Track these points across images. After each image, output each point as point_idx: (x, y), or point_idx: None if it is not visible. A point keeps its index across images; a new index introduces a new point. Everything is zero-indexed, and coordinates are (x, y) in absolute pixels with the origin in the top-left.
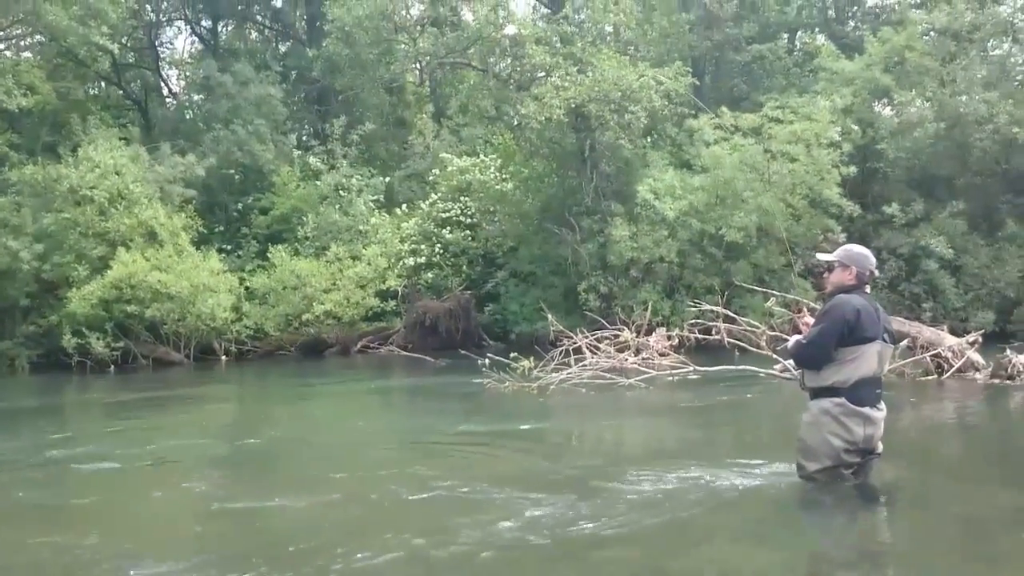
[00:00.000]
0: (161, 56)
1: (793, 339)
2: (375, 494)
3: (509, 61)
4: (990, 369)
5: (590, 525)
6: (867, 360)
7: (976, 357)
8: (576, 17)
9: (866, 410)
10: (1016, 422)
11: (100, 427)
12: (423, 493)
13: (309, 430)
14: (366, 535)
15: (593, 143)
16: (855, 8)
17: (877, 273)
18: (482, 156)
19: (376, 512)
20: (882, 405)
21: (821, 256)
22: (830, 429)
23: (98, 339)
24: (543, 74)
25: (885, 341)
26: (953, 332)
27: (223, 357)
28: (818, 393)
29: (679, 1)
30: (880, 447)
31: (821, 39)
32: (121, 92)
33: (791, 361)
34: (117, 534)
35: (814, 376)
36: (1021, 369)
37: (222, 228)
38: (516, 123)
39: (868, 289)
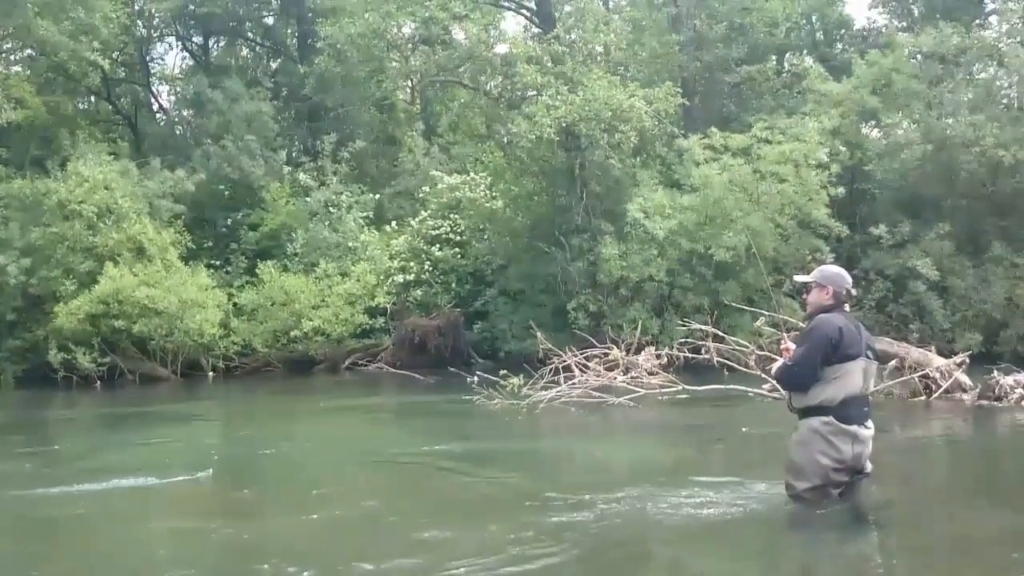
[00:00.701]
0: (152, 72)
1: (778, 363)
2: (347, 517)
3: (500, 80)
4: (977, 390)
5: (570, 543)
6: (852, 377)
7: (964, 378)
8: (567, 37)
9: (854, 428)
10: (1003, 443)
11: (78, 443)
12: (392, 517)
13: (293, 450)
14: (337, 557)
15: (583, 162)
16: (843, 31)
17: (854, 292)
18: (472, 174)
19: (340, 535)
20: (870, 423)
21: (798, 278)
22: (819, 448)
23: (84, 354)
24: (534, 93)
25: (868, 358)
26: (940, 353)
27: (210, 373)
28: (806, 413)
29: (669, 22)
30: (869, 466)
31: (809, 61)
32: (111, 107)
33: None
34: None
35: (801, 397)
36: (1008, 390)
37: (211, 244)
38: (506, 141)
39: (847, 308)
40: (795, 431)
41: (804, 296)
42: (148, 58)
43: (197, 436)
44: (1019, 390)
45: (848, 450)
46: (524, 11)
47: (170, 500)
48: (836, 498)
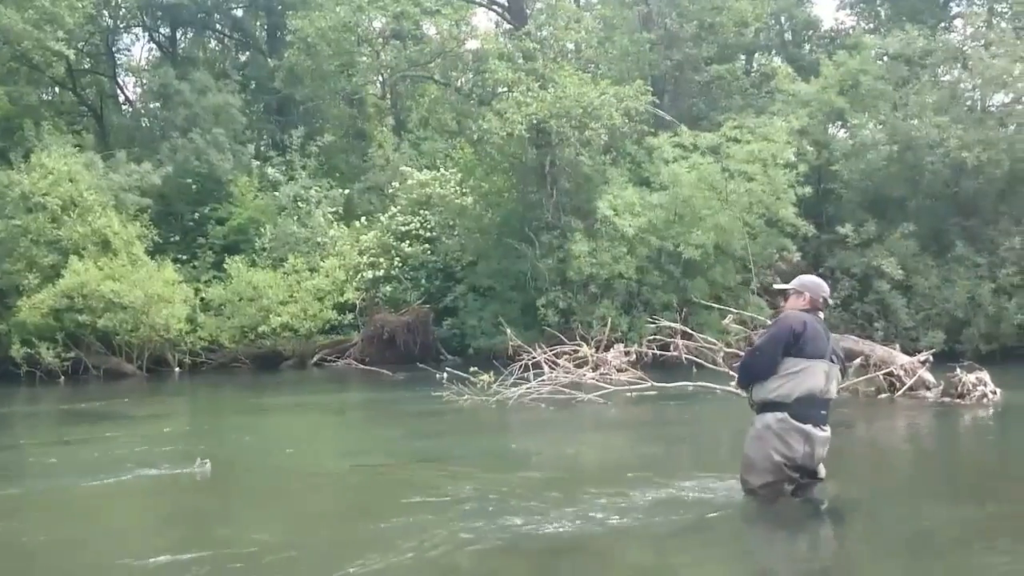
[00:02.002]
0: (118, 63)
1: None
2: (298, 515)
3: (471, 76)
4: (941, 388)
5: (531, 538)
6: (812, 376)
7: (927, 376)
8: (538, 33)
9: (808, 427)
10: (965, 440)
11: (33, 440)
12: (348, 514)
13: (254, 451)
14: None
15: (553, 159)
16: (811, 32)
17: (831, 301)
18: (442, 170)
19: (290, 534)
20: (827, 427)
21: (777, 286)
22: (772, 444)
23: (48, 349)
24: (505, 89)
25: (833, 362)
26: (904, 351)
27: (176, 369)
28: (762, 408)
29: (640, 21)
30: (822, 471)
31: (778, 61)
32: (76, 98)
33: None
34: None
35: (759, 389)
36: (970, 388)
37: (178, 238)
38: (477, 137)
39: (822, 316)
40: (751, 426)
41: (782, 304)
42: (114, 49)
43: (159, 435)
44: (981, 388)
45: (799, 448)
46: (496, 7)
47: (112, 506)
48: (789, 495)
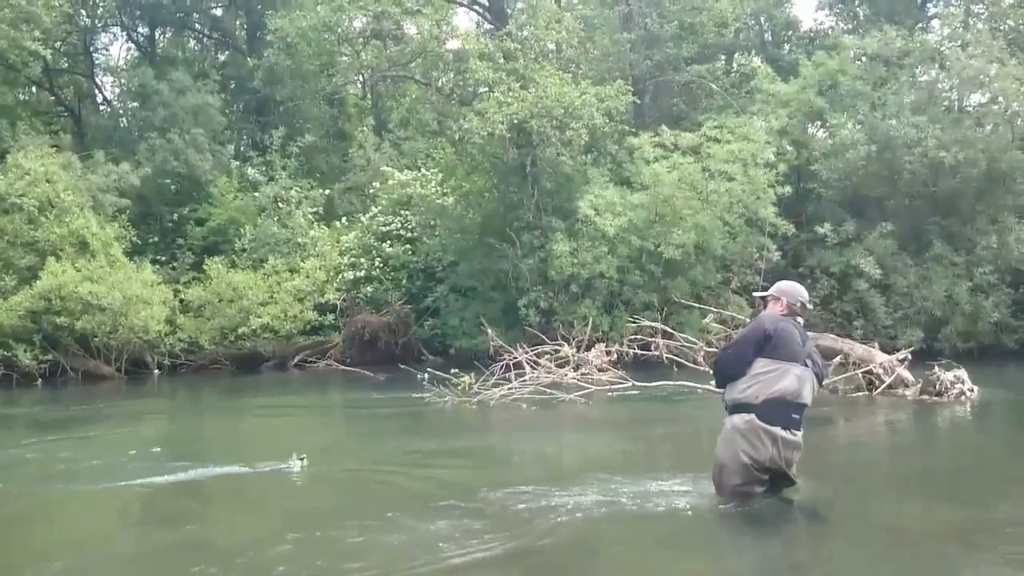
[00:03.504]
0: (96, 62)
1: None
2: (287, 516)
3: (452, 75)
4: (919, 386)
5: (510, 539)
6: (784, 380)
7: (906, 374)
8: (519, 33)
9: (776, 430)
10: (943, 438)
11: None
12: (336, 517)
13: (233, 455)
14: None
15: (534, 159)
16: (790, 32)
17: (810, 306)
18: (423, 170)
19: (280, 536)
20: (798, 432)
21: (757, 294)
22: (740, 446)
23: (25, 351)
24: (485, 89)
25: (807, 366)
26: (883, 349)
27: (156, 371)
28: (732, 410)
29: (620, 21)
30: (794, 474)
31: (757, 61)
32: (53, 98)
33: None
34: None
35: (730, 389)
36: (948, 386)
37: (156, 239)
38: (458, 137)
39: (800, 321)
40: (722, 428)
41: (763, 310)
42: (92, 48)
43: (136, 440)
44: (959, 385)
45: (766, 451)
46: (476, 7)
47: (85, 513)
48: (762, 496)
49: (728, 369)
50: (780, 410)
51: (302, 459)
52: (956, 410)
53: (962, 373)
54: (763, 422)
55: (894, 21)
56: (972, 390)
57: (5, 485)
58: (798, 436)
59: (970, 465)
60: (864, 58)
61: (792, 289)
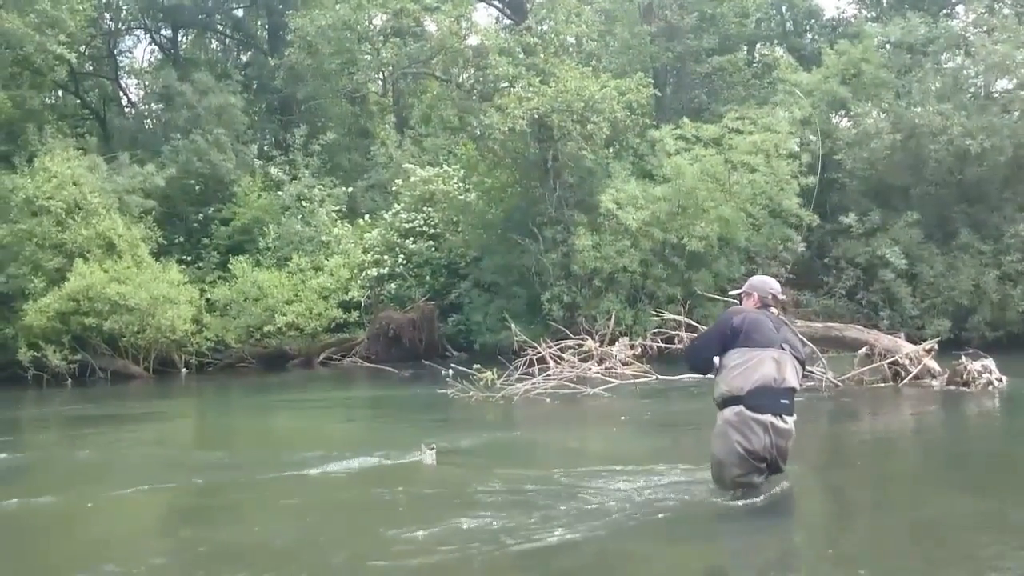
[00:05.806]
0: (120, 65)
1: None
2: (317, 511)
3: (472, 71)
4: (946, 376)
5: (530, 532)
6: (761, 366)
7: (932, 364)
8: (539, 28)
9: (767, 418)
10: (971, 428)
11: (39, 443)
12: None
13: (266, 453)
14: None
15: (556, 153)
16: (812, 21)
17: (781, 296)
18: (445, 166)
19: (311, 530)
20: (789, 419)
21: (732, 292)
22: (734, 438)
23: (55, 352)
24: (506, 84)
25: (783, 350)
26: (910, 340)
27: (183, 370)
28: (722, 404)
29: (640, 13)
30: (783, 465)
31: (780, 51)
32: (79, 101)
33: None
34: None
35: (716, 386)
36: (976, 376)
37: (182, 239)
38: (479, 133)
39: (774, 310)
40: (715, 423)
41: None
42: (116, 51)
43: (168, 438)
44: (986, 375)
45: (759, 440)
46: (496, 2)
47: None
48: (764, 484)
49: (694, 361)
50: (766, 397)
51: (432, 449)
52: (983, 400)
53: (990, 363)
54: (752, 412)
55: (918, 8)
56: (1000, 380)
57: (59, 485)
58: (790, 423)
59: (997, 455)
60: (888, 46)
61: (762, 283)
